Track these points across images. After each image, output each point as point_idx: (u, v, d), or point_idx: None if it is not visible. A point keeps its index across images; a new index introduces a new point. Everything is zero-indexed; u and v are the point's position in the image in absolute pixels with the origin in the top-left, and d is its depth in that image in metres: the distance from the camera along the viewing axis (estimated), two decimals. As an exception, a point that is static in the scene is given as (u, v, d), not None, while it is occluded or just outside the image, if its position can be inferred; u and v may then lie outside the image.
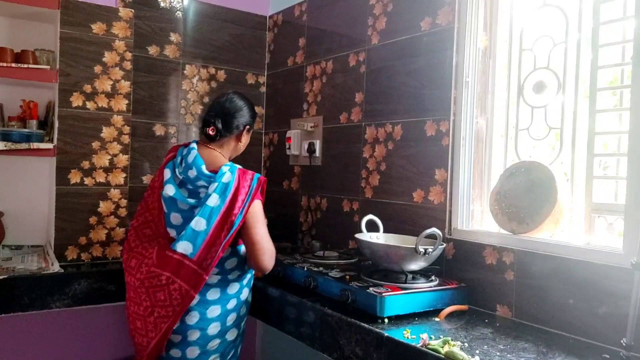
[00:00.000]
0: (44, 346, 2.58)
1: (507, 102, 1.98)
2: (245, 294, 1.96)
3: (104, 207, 2.49)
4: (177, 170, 1.89)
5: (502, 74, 1.99)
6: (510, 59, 1.97)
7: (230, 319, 1.90)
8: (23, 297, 2.09)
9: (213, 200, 1.78)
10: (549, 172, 1.74)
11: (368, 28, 2.41)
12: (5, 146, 2.23)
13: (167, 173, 1.90)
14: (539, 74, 1.87)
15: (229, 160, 1.97)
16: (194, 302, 1.81)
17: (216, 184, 1.79)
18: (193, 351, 1.84)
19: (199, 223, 1.77)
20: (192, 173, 1.84)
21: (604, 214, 1.65)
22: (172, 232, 1.87)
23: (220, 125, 1.93)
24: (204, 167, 1.84)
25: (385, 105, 2.31)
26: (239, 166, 1.88)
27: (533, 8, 1.89)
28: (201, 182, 1.83)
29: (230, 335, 1.92)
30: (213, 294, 1.85)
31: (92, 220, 2.47)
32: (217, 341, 1.87)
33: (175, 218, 1.87)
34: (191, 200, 1.83)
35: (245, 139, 2.05)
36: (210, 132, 1.93)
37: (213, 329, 1.85)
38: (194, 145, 1.92)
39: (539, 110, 1.87)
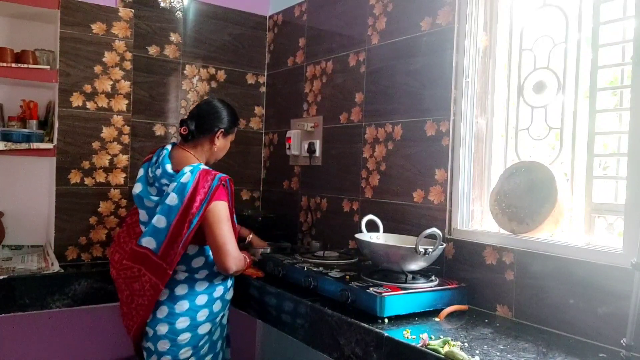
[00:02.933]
0: (44, 346, 2.58)
1: (507, 102, 1.98)
2: (220, 291, 2.02)
3: (104, 207, 2.49)
4: (150, 169, 1.99)
5: (502, 74, 1.99)
6: (510, 59, 1.96)
7: (202, 314, 1.96)
8: (23, 297, 2.09)
9: (171, 199, 1.86)
10: (549, 172, 1.74)
11: (368, 28, 2.41)
12: (5, 146, 2.23)
13: (140, 172, 2.02)
14: (539, 74, 1.86)
15: (207, 164, 2.01)
16: (164, 296, 1.92)
17: (175, 183, 1.87)
18: (163, 344, 1.92)
19: (159, 220, 1.87)
20: (159, 171, 1.94)
21: (604, 214, 1.65)
22: (142, 228, 1.97)
23: (192, 126, 2.00)
24: (168, 167, 1.93)
25: (385, 105, 2.31)
26: (204, 167, 1.93)
27: (533, 8, 1.89)
28: (164, 181, 1.92)
29: (203, 329, 1.97)
30: (181, 290, 1.94)
31: (92, 220, 2.47)
32: (187, 335, 1.93)
33: (143, 215, 1.98)
34: (155, 198, 1.93)
35: (221, 143, 2.07)
36: (182, 132, 2.01)
37: (181, 323, 1.92)
38: (169, 146, 2.02)
39: (539, 110, 1.87)
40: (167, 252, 1.85)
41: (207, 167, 1.93)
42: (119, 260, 1.98)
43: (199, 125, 2.01)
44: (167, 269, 1.85)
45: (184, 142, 2.03)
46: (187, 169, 1.89)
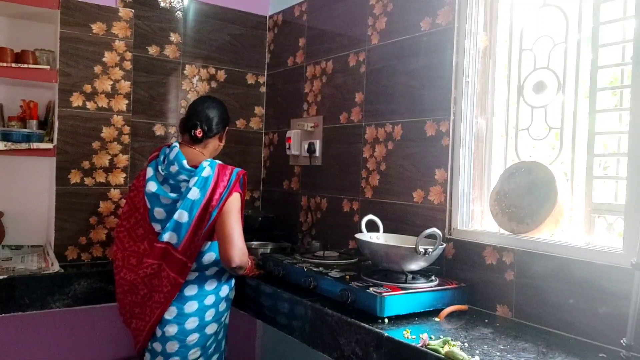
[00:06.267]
0: (44, 346, 2.58)
1: (507, 102, 1.98)
2: (225, 290, 2.04)
3: (104, 207, 2.49)
4: (159, 167, 2.00)
5: (502, 74, 1.99)
6: (510, 59, 1.96)
7: (209, 314, 1.98)
8: (23, 297, 2.09)
9: (194, 194, 1.89)
10: (549, 172, 1.74)
11: (368, 28, 2.41)
12: (5, 146, 2.23)
13: (150, 171, 2.01)
14: (539, 74, 1.86)
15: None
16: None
17: (196, 177, 1.90)
18: (172, 345, 1.92)
19: (181, 215, 1.88)
20: (174, 168, 1.96)
21: (604, 214, 1.65)
22: (157, 227, 1.97)
23: (206, 128, 2.04)
24: (185, 162, 1.96)
25: (385, 105, 2.31)
26: (219, 162, 1.98)
27: (533, 8, 1.89)
28: (182, 177, 1.95)
29: (210, 329, 1.99)
30: (190, 290, 1.95)
31: (92, 220, 2.47)
32: (196, 335, 1.95)
33: (159, 213, 1.97)
34: (173, 195, 1.94)
35: (224, 139, 2.18)
36: (198, 135, 2.04)
37: (191, 323, 1.93)
38: (176, 144, 2.03)
39: (539, 110, 1.87)
40: (188, 246, 1.88)
41: (221, 162, 1.98)
42: (137, 264, 1.96)
43: (210, 126, 2.06)
44: (187, 262, 1.89)
45: (193, 142, 2.06)
46: (205, 163, 1.94)
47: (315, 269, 1.98)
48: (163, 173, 1.99)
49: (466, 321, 1.71)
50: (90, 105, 2.44)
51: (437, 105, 2.06)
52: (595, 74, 1.66)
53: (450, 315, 1.74)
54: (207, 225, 1.87)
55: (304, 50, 2.85)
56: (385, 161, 2.30)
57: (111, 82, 2.49)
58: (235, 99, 3.03)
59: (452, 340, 1.44)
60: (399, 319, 1.66)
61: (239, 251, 1.83)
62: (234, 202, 1.90)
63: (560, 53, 1.81)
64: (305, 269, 1.98)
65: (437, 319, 1.69)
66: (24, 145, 2.27)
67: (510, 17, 1.96)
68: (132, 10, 2.55)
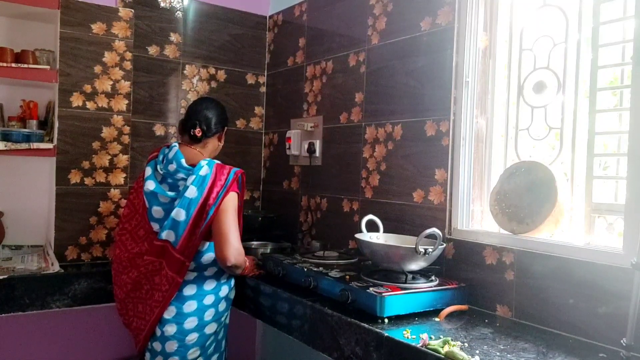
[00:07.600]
0: (44, 346, 2.58)
1: (507, 102, 1.98)
2: (225, 290, 2.05)
3: (104, 207, 2.49)
4: (158, 166, 2.01)
5: (502, 74, 1.99)
6: (510, 59, 1.96)
7: (209, 314, 1.98)
8: (23, 297, 2.09)
9: (191, 192, 1.90)
10: (549, 172, 1.74)
11: (368, 28, 2.41)
12: (5, 146, 2.23)
13: (148, 170, 2.03)
14: (539, 74, 1.86)
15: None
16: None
17: (194, 176, 1.92)
18: (172, 345, 1.93)
19: (179, 213, 1.90)
20: (172, 167, 1.97)
21: (604, 214, 1.65)
22: (155, 226, 1.98)
23: (205, 127, 2.05)
24: (183, 161, 1.97)
25: (385, 105, 2.31)
26: (217, 161, 1.99)
27: (533, 8, 1.89)
28: (180, 175, 1.96)
29: (210, 329, 2.00)
30: (189, 290, 1.95)
31: (92, 220, 2.47)
32: (195, 335, 1.95)
33: (157, 212, 1.98)
34: (171, 193, 1.95)
35: (223, 140, 2.19)
36: (197, 134, 2.04)
37: (190, 323, 1.94)
38: (176, 144, 2.04)
39: (539, 110, 1.87)
40: (186, 245, 1.89)
41: (219, 162, 1.99)
42: (141, 263, 1.98)
43: (209, 126, 2.06)
44: (185, 261, 1.89)
45: (193, 142, 2.06)
46: (203, 162, 1.95)
47: (315, 269, 1.98)
48: (162, 172, 2.00)
49: (466, 321, 1.71)
50: (90, 105, 2.44)
51: (437, 105, 2.06)
52: (595, 74, 1.66)
53: (450, 315, 1.74)
54: (204, 223, 1.88)
55: (304, 50, 2.85)
56: (385, 161, 2.30)
57: (111, 82, 2.49)
58: (235, 99, 3.03)
59: (452, 340, 1.44)
60: (399, 319, 1.66)
61: (234, 250, 1.84)
62: (231, 201, 1.91)
63: (560, 53, 1.81)
64: (305, 269, 1.98)
65: (437, 319, 1.69)
66: (24, 145, 2.27)
67: (510, 17, 1.96)
68: (132, 10, 2.55)
